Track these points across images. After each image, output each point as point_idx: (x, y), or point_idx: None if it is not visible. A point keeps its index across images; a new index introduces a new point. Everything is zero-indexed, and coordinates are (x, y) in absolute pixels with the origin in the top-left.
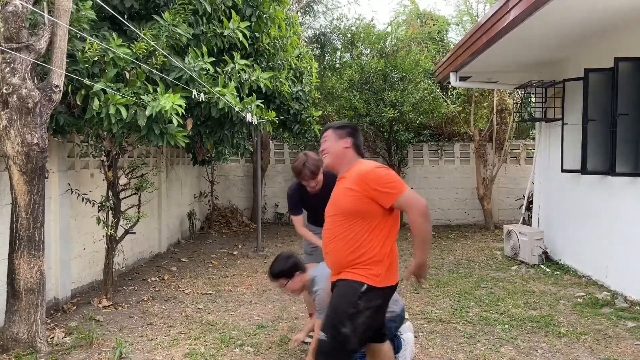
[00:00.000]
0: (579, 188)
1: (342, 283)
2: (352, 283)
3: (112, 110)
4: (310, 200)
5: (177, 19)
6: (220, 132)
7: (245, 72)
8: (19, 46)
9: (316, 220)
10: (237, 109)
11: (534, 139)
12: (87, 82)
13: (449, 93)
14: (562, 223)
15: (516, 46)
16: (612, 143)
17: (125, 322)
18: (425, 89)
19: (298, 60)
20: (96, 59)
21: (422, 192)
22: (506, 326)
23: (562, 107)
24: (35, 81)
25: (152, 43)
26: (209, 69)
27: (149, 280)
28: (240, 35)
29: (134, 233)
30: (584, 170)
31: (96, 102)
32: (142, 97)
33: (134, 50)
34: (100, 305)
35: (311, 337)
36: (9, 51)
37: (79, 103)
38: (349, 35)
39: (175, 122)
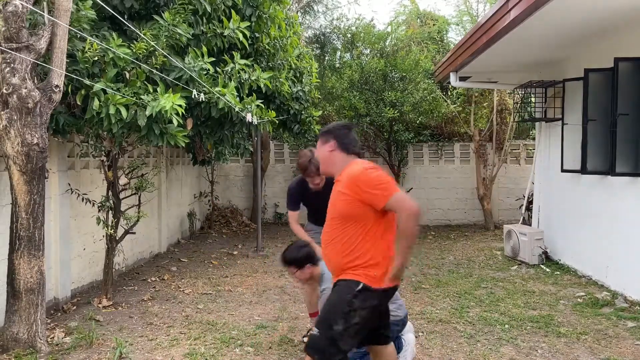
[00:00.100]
0: (579, 188)
1: (341, 282)
2: (350, 282)
3: (112, 110)
4: (311, 199)
5: (177, 19)
6: (220, 132)
7: (245, 72)
8: (19, 46)
9: (317, 219)
10: (237, 109)
11: (534, 139)
12: (87, 82)
13: (449, 93)
14: (562, 223)
15: (516, 46)
16: (612, 143)
17: (125, 322)
18: (425, 89)
19: (298, 60)
20: (96, 59)
21: (422, 192)
22: (506, 326)
23: (562, 107)
24: (35, 81)
25: (152, 43)
26: (209, 69)
27: (149, 280)
28: (240, 35)
29: (134, 233)
30: (584, 170)
31: (96, 102)
32: (142, 97)
33: (134, 50)
34: (100, 305)
35: None
36: (9, 51)
37: (79, 103)
38: (349, 35)
39: (175, 122)
